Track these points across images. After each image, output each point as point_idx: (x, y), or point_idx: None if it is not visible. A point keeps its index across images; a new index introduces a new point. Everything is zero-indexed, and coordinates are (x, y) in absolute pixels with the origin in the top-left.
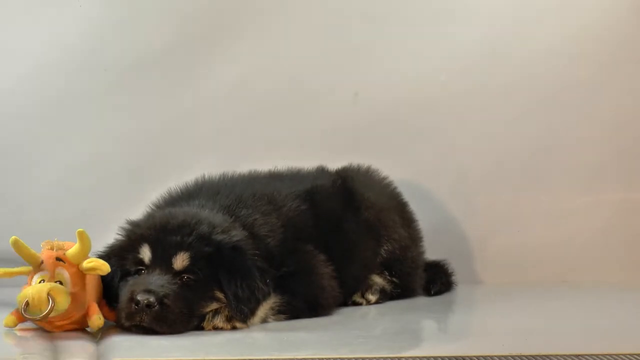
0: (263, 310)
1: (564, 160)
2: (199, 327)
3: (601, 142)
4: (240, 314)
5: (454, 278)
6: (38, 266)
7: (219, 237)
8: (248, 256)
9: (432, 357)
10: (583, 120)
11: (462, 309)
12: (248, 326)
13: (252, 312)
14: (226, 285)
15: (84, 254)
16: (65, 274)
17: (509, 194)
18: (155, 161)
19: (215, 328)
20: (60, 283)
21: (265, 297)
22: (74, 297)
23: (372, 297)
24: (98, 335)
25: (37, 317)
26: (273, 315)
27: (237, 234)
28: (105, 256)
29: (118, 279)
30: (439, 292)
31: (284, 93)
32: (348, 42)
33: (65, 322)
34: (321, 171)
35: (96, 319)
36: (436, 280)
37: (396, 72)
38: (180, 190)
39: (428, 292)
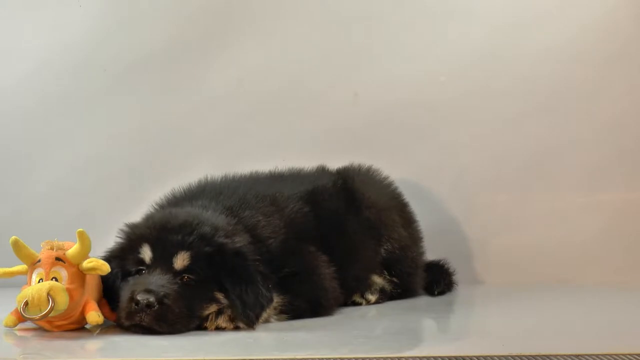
0: (267, 312)
1: (564, 160)
2: (200, 327)
3: (601, 142)
4: (247, 319)
5: (454, 278)
6: (33, 264)
7: (222, 239)
8: (250, 262)
9: (432, 357)
10: (583, 120)
11: (462, 309)
12: (254, 329)
13: (258, 317)
14: (231, 290)
15: (84, 254)
16: (61, 270)
17: (509, 194)
18: (155, 161)
19: (218, 328)
20: (56, 279)
21: (269, 302)
22: (70, 294)
23: (372, 297)
24: (96, 332)
25: (37, 317)
26: (275, 315)
27: (240, 239)
28: (106, 259)
29: (119, 280)
30: (442, 293)
31: (284, 93)
32: (348, 42)
33: (65, 322)
34: (322, 171)
35: (94, 315)
36: (439, 280)
37: (396, 73)
38: (184, 190)
39: (431, 293)
